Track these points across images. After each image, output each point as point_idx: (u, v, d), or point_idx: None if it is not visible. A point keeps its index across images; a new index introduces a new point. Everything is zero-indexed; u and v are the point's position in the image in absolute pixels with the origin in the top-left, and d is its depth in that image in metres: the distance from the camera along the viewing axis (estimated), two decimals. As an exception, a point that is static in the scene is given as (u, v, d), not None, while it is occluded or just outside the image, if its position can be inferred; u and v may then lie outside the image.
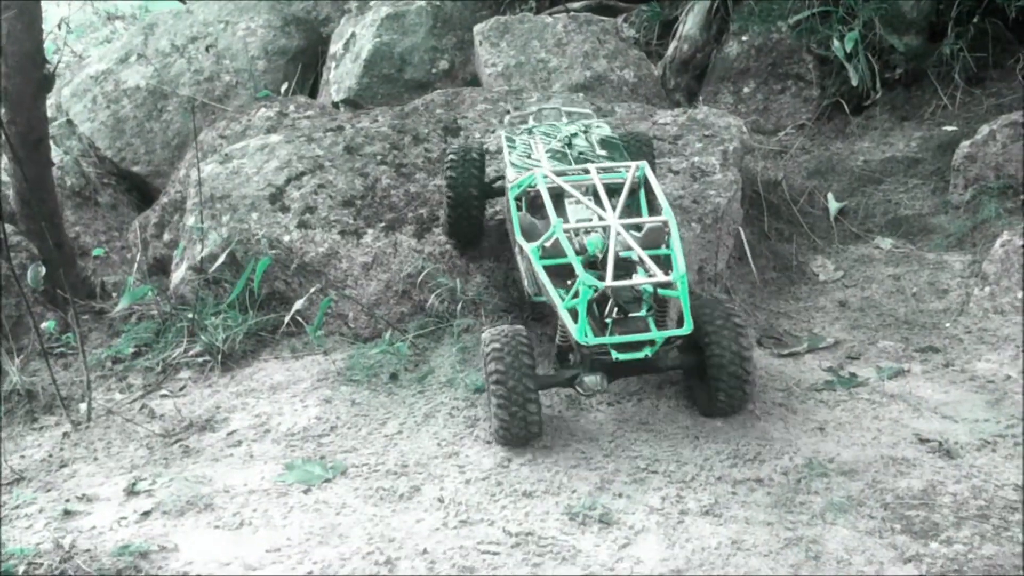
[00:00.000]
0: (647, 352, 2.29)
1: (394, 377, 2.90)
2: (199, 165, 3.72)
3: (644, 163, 2.70)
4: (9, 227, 3.99)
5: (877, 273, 3.37)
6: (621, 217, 2.47)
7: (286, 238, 3.36)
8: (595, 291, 2.26)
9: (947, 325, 2.94)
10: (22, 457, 2.71)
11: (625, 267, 2.39)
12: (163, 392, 3.13)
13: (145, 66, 5.41)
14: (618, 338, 2.28)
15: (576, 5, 5.64)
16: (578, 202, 2.60)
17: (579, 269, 2.30)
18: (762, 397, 2.52)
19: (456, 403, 2.66)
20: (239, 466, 2.50)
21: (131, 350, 3.53)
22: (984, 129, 3.71)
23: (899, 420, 2.37)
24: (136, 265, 4.51)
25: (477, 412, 2.61)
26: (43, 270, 3.86)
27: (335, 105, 5.00)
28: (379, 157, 3.63)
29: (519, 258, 2.73)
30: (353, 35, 5.12)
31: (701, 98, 4.88)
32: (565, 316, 2.32)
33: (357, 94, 4.85)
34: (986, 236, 3.42)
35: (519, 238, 2.58)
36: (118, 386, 3.31)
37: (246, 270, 3.28)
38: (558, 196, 2.65)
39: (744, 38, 4.87)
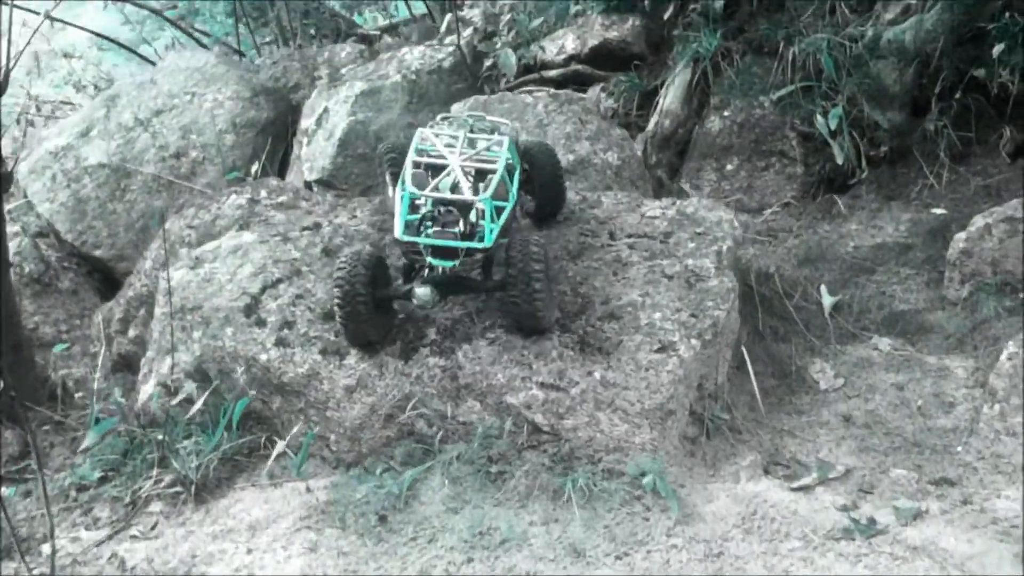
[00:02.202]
0: (455, 263, 2.84)
1: (383, 520, 2.73)
2: (168, 272, 3.54)
3: (507, 137, 3.26)
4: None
5: (879, 381, 3.26)
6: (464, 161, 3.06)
7: (263, 357, 3.18)
8: (412, 198, 2.90)
9: (958, 449, 2.84)
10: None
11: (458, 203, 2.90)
12: (133, 532, 2.93)
13: (107, 142, 5.20)
14: (428, 240, 2.82)
15: (552, 74, 5.55)
16: (447, 168, 3.06)
17: (409, 185, 2.91)
18: (779, 548, 2.39)
19: (452, 557, 2.50)
20: (220, 639, 2.32)
21: (97, 475, 3.33)
22: (979, 222, 3.64)
23: (926, 582, 2.26)
24: (100, 363, 4.32)
25: (475, 568, 2.45)
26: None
27: (308, 185, 4.83)
28: (359, 261, 3.47)
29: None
30: (326, 110, 4.96)
31: (684, 176, 4.78)
32: (397, 221, 2.90)
33: (331, 174, 4.69)
34: (987, 338, 3.33)
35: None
36: (83, 521, 3.10)
37: (221, 415, 3.11)
38: (433, 160, 3.09)
39: (726, 113, 4.78)
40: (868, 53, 4.62)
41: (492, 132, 3.37)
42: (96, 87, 7.43)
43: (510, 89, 5.10)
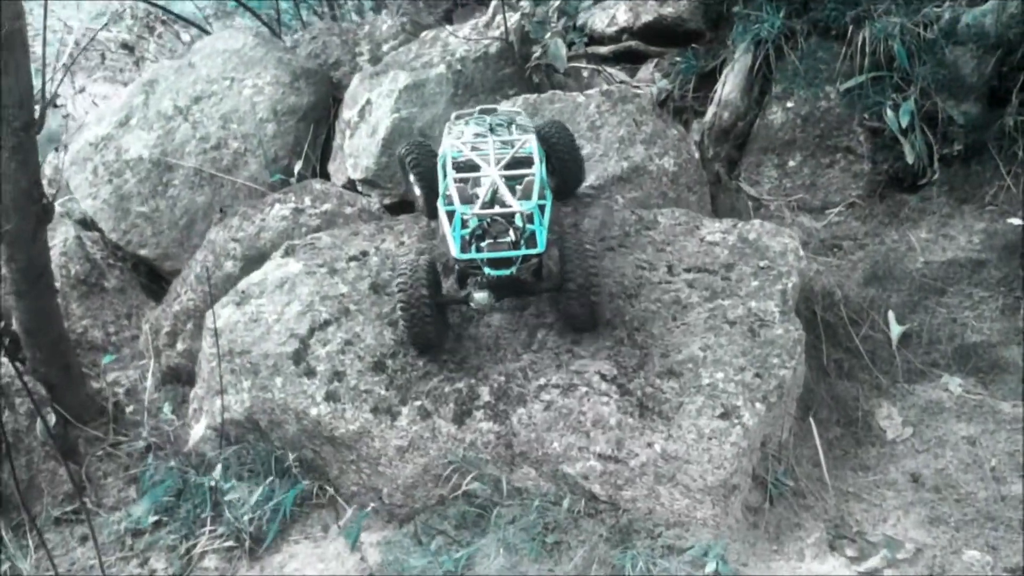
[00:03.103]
0: (512, 270, 2.92)
1: (439, 597, 2.70)
2: (214, 310, 3.47)
3: (532, 136, 3.39)
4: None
5: (949, 433, 3.12)
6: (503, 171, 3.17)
7: (313, 412, 3.13)
8: (464, 216, 2.99)
9: (1037, 529, 2.72)
10: None
11: (504, 214, 2.99)
12: (190, 593, 2.95)
13: (147, 132, 5.09)
14: (485, 254, 2.92)
15: (603, 50, 5.29)
16: (482, 172, 3.20)
17: (457, 204, 3.02)
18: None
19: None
20: None
21: (151, 519, 3.34)
22: (1063, 248, 3.42)
23: None
24: (149, 377, 4.33)
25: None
26: (52, 419, 3.68)
27: (352, 184, 4.70)
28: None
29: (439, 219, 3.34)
30: (369, 102, 4.78)
31: (742, 171, 4.56)
32: (449, 239, 3.03)
33: (376, 174, 4.54)
34: (1068, 385, 3.16)
35: (440, 200, 3.27)
36: (139, 573, 3.13)
37: (273, 463, 3.08)
38: (468, 173, 3.22)
39: (789, 104, 4.52)
40: (944, 38, 4.30)
41: (509, 125, 3.56)
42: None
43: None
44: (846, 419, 3.27)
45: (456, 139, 3.44)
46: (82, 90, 8.58)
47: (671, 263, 3.43)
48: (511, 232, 2.94)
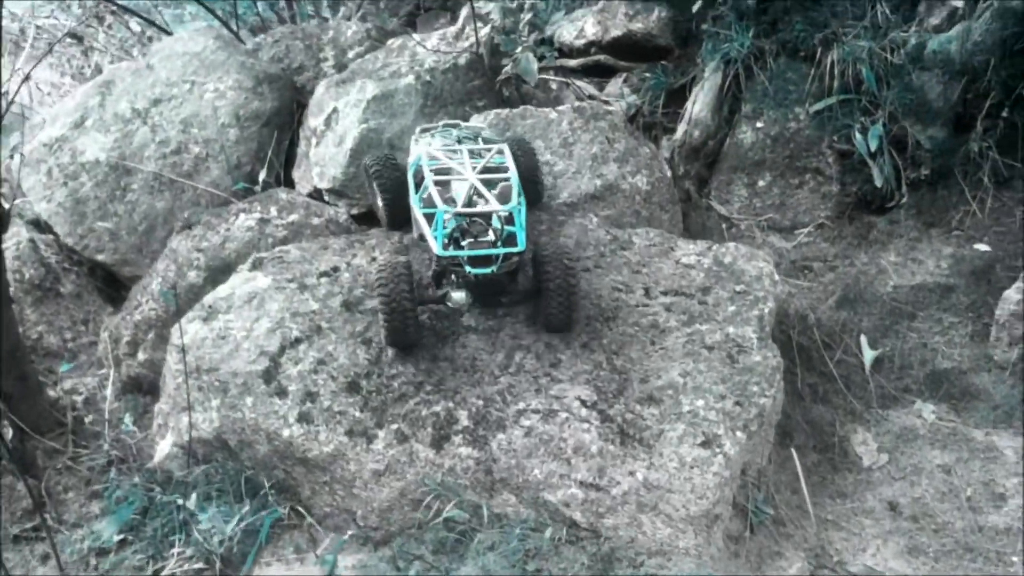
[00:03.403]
0: (493, 269, 3.01)
1: (417, 627, 2.65)
2: (180, 325, 3.36)
3: (504, 145, 3.55)
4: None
5: (925, 460, 3.15)
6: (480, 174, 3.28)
7: (285, 432, 3.04)
8: (445, 216, 3.04)
9: (1014, 560, 2.74)
10: None
11: (483, 215, 3.08)
12: (158, 619, 2.85)
13: (104, 135, 4.94)
14: (466, 251, 3.00)
15: (572, 63, 5.27)
16: (459, 176, 3.29)
17: (438, 202, 3.12)
18: None
19: None
20: None
21: (116, 537, 3.22)
22: (1030, 279, 3.48)
23: None
24: (110, 385, 4.20)
25: None
26: (9, 432, 3.55)
27: (318, 193, 4.61)
28: (381, 315, 3.31)
29: (414, 223, 3.45)
30: (335, 111, 4.70)
31: (713, 190, 4.57)
32: (430, 238, 3.10)
33: (343, 184, 4.46)
34: (1037, 413, 3.21)
35: (413, 203, 3.34)
36: (103, 598, 3.02)
37: (243, 483, 2.99)
38: (446, 177, 3.31)
39: (759, 124, 4.54)
40: (911, 63, 4.37)
41: (476, 138, 3.71)
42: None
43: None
44: (822, 445, 3.28)
45: (427, 147, 3.55)
46: (27, 78, 8.34)
47: (647, 286, 3.42)
48: (491, 232, 3.02)
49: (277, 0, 7.89)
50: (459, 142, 3.64)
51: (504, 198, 3.16)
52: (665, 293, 3.37)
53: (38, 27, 8.29)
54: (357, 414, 3.05)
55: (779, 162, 4.48)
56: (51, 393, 4.01)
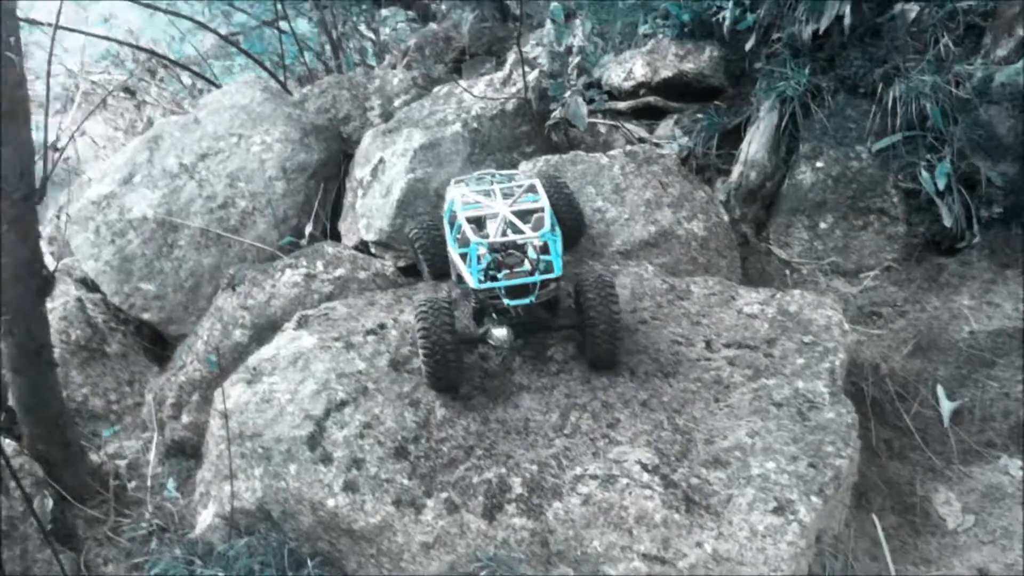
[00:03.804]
0: (531, 299, 2.96)
1: None
2: (224, 388, 3.26)
3: (536, 180, 3.44)
4: (10, 444, 3.58)
5: (1014, 522, 2.91)
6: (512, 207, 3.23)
7: (330, 503, 2.91)
8: (480, 249, 3.00)
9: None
10: None
11: (516, 245, 3.03)
12: None
13: (152, 190, 4.91)
14: (503, 282, 2.94)
15: (622, 106, 5.14)
16: (494, 216, 3.22)
17: (471, 236, 3.05)
18: None
19: None
20: None
21: (158, 617, 3.11)
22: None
23: None
24: (153, 448, 4.13)
25: None
26: (50, 503, 3.47)
27: (365, 245, 4.51)
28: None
29: (452, 266, 3.39)
30: (382, 160, 4.62)
31: (771, 233, 4.38)
32: (466, 274, 3.03)
33: (390, 236, 4.36)
34: None
35: (449, 245, 3.30)
36: None
37: (286, 556, 2.86)
38: (480, 220, 3.24)
39: (819, 164, 4.36)
40: (978, 97, 4.16)
41: (510, 180, 3.61)
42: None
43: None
44: (902, 506, 3.06)
45: (460, 192, 3.47)
46: (83, 133, 8.50)
47: (709, 338, 3.24)
48: (526, 262, 2.98)
49: (324, 51, 7.95)
50: (492, 185, 3.56)
51: (539, 227, 3.10)
52: (728, 345, 3.20)
53: (93, 82, 8.45)
54: (405, 482, 2.90)
55: (841, 203, 4.28)
56: (94, 457, 3.94)
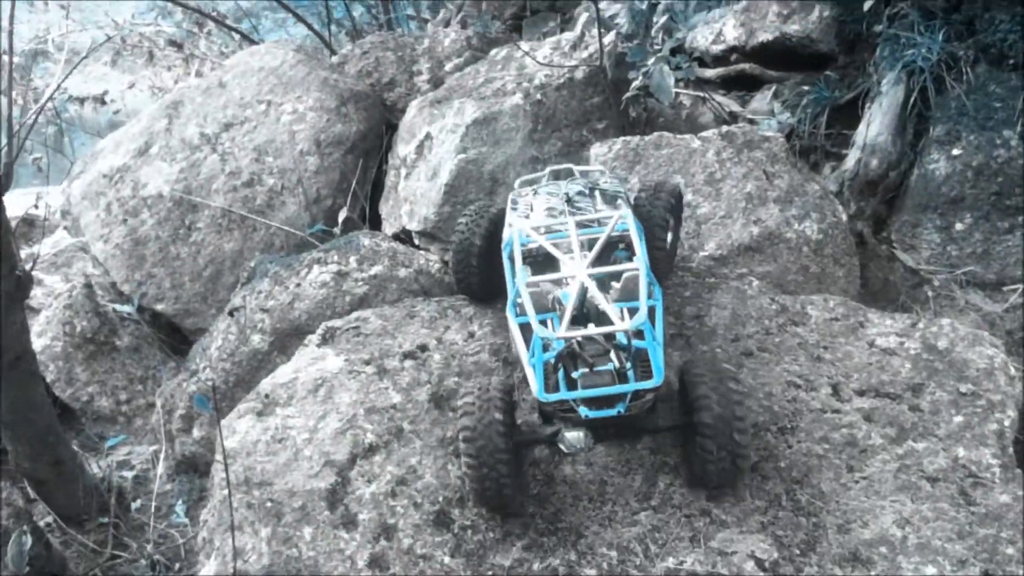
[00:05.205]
0: (620, 409, 2.15)
1: None
2: (230, 424, 2.66)
3: (628, 211, 2.60)
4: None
5: None
6: (593, 267, 2.40)
7: (354, 582, 2.29)
8: (546, 340, 2.24)
9: None
10: None
11: (599, 320, 2.28)
12: None
13: (169, 164, 4.31)
14: (579, 393, 2.16)
15: (710, 74, 4.41)
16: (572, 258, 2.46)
17: (535, 324, 2.26)
18: None
19: None
20: None
21: None
22: None
23: None
24: (160, 464, 3.60)
25: None
26: (28, 542, 2.94)
27: (407, 235, 3.88)
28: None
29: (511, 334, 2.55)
30: (429, 136, 3.95)
31: (893, 233, 3.65)
32: (529, 373, 2.26)
33: (435, 226, 3.72)
34: None
35: (508, 306, 2.50)
36: None
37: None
38: (550, 260, 2.55)
39: (955, 151, 3.59)
40: None
41: (592, 191, 2.80)
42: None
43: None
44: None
45: (522, 217, 2.71)
46: (132, 85, 8.04)
47: (836, 381, 2.55)
48: (613, 356, 2.19)
49: (374, 3, 7.27)
50: (569, 200, 2.77)
51: (629, 296, 2.34)
52: (861, 393, 2.50)
53: (140, 34, 8.03)
54: (446, 559, 2.27)
55: (983, 199, 3.52)
56: (96, 469, 3.42)
